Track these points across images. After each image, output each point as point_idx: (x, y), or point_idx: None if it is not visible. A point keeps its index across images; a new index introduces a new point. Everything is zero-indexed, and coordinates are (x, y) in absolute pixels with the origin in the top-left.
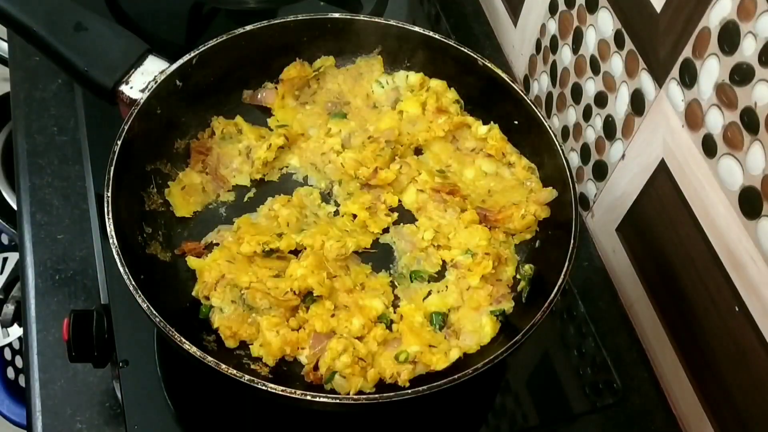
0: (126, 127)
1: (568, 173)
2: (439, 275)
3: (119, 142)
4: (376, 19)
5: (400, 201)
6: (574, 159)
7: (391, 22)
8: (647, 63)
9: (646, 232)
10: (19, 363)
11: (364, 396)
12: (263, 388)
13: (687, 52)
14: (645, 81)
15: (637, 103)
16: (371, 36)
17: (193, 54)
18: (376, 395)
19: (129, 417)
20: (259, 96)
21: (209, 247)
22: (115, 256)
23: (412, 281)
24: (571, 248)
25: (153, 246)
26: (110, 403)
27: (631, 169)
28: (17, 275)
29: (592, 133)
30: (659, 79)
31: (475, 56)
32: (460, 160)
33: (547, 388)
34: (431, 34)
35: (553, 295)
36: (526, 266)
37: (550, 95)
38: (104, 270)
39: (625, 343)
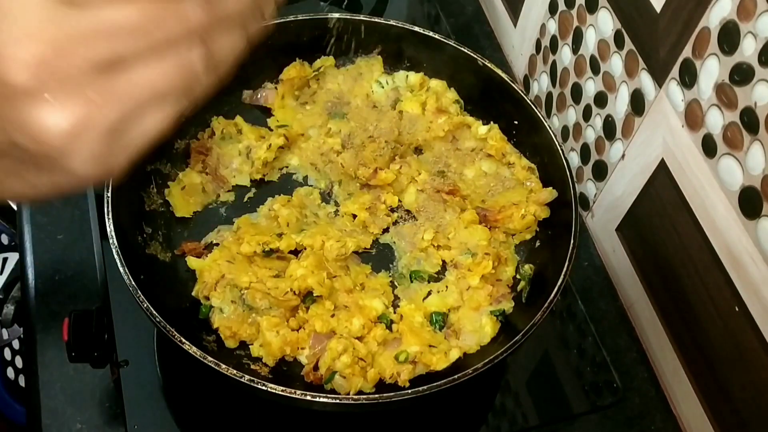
0: None
1: (568, 173)
2: (439, 275)
3: None
4: (376, 19)
5: (400, 201)
6: (574, 159)
7: (391, 22)
8: (647, 63)
9: (646, 232)
10: (19, 363)
11: (364, 396)
12: (263, 388)
13: (687, 52)
14: (645, 81)
15: (637, 103)
16: (371, 36)
17: None
18: (376, 395)
19: (129, 417)
20: (259, 96)
21: (209, 247)
22: (115, 256)
23: (412, 281)
24: (571, 248)
25: (153, 246)
26: (110, 403)
27: (631, 169)
28: (17, 275)
29: (592, 133)
30: (659, 79)
31: (475, 56)
32: (460, 160)
33: (547, 388)
34: (431, 34)
35: (553, 295)
36: (526, 266)
37: (550, 95)
38: (104, 270)
39: (625, 343)
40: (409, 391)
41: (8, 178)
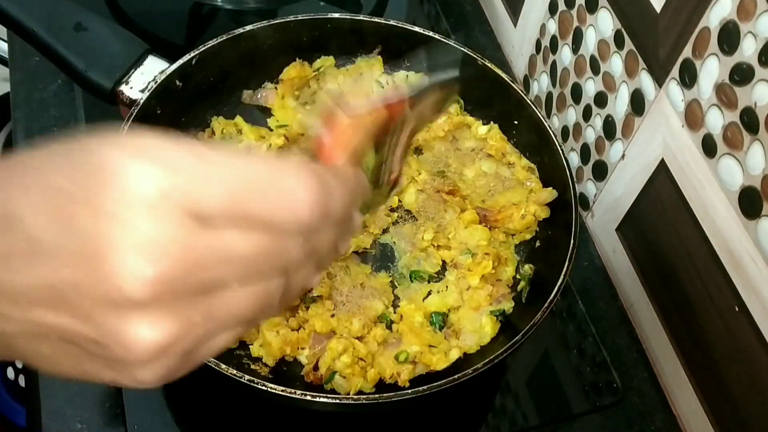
0: (126, 128)
1: (568, 173)
2: (439, 275)
3: None
4: (376, 19)
5: (400, 201)
6: (574, 159)
7: (391, 22)
8: (647, 63)
9: (646, 232)
10: (19, 363)
11: (364, 396)
12: (263, 388)
13: (687, 52)
14: (645, 81)
15: (637, 103)
16: (371, 36)
17: (193, 54)
18: (376, 395)
19: (129, 417)
20: (259, 96)
21: None
22: None
23: (412, 281)
24: (571, 248)
25: None
26: (110, 403)
27: (631, 169)
28: None
29: (592, 133)
30: (659, 79)
31: (475, 56)
32: (460, 160)
33: (547, 388)
34: (431, 34)
35: (553, 295)
36: (526, 266)
37: (550, 95)
38: None
39: (625, 343)
40: (409, 391)
41: (64, 361)
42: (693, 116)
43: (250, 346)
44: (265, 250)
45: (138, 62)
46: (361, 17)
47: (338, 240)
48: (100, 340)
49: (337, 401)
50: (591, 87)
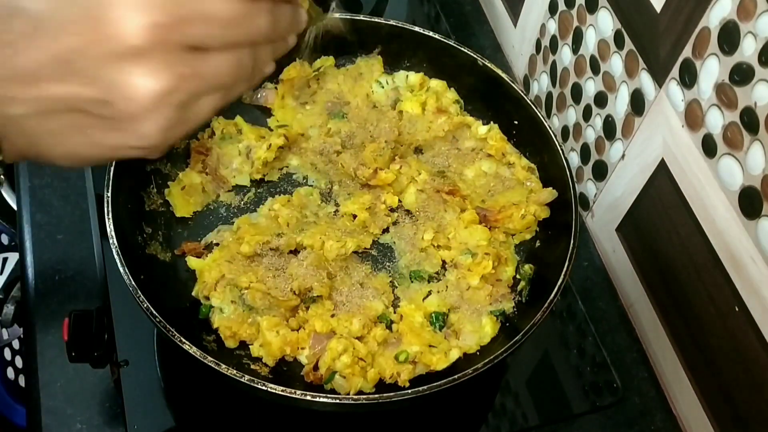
0: None
1: (568, 173)
2: (439, 275)
3: None
4: (376, 19)
5: (400, 201)
6: (574, 159)
7: (391, 22)
8: (647, 63)
9: (646, 232)
10: (19, 363)
11: (364, 396)
12: (263, 388)
13: (687, 52)
14: (645, 81)
15: (637, 103)
16: (371, 36)
17: None
18: (376, 395)
19: (129, 417)
20: (259, 96)
21: (209, 247)
22: (115, 256)
23: (412, 281)
24: (571, 248)
25: (153, 246)
26: (110, 403)
27: (631, 169)
28: (17, 275)
29: (592, 133)
30: (659, 79)
31: (475, 56)
32: (460, 160)
33: (547, 388)
34: (431, 34)
35: (553, 295)
36: (526, 266)
37: (550, 95)
38: (104, 270)
39: (625, 343)
40: (409, 391)
41: (73, 135)
42: (693, 116)
43: (250, 346)
44: (239, 13)
45: None
46: (361, 17)
47: (288, 24)
48: (106, 97)
49: (337, 401)
50: (591, 87)
